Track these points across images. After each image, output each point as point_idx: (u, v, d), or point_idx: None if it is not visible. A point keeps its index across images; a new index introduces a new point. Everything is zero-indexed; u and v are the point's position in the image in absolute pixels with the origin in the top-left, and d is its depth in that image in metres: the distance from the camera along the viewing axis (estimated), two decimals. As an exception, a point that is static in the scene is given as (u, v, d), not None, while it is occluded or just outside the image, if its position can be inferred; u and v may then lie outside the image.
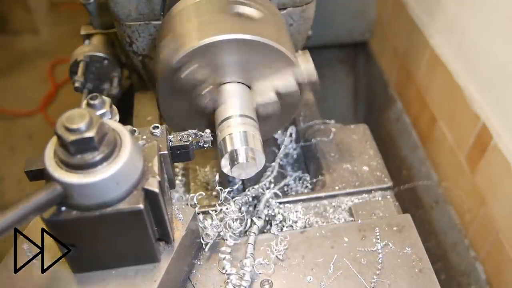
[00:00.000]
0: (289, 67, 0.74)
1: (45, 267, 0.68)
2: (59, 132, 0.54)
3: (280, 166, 1.00)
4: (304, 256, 0.78)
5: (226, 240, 0.79)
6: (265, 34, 0.74)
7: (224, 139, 0.74)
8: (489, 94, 1.12)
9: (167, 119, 0.85)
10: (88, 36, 1.22)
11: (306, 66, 0.75)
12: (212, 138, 0.73)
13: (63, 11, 3.28)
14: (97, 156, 0.55)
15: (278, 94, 0.76)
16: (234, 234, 0.80)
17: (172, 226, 0.70)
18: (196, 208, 0.76)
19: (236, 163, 0.72)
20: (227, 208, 0.81)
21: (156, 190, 0.60)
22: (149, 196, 0.60)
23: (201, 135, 0.72)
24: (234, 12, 0.77)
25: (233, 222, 0.80)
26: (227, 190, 0.81)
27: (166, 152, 0.68)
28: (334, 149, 1.00)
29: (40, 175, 0.65)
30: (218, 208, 0.81)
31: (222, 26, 0.74)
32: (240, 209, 0.84)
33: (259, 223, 0.83)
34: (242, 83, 0.79)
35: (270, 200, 0.87)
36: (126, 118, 1.09)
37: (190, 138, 0.72)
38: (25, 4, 3.13)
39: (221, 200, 0.81)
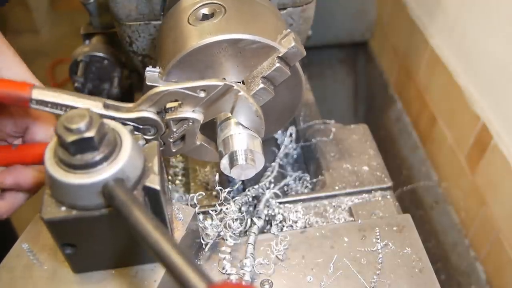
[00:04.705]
0: (272, 52, 0.74)
1: (45, 267, 0.68)
2: (59, 132, 0.54)
3: (280, 166, 1.00)
4: (304, 256, 0.78)
5: (226, 240, 0.79)
6: (242, 29, 0.73)
7: (224, 140, 0.74)
8: (489, 94, 1.12)
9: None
10: (88, 36, 1.22)
11: (290, 48, 0.74)
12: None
13: (63, 11, 3.28)
14: (97, 156, 0.55)
15: (267, 80, 0.75)
16: (234, 234, 0.80)
17: (172, 226, 0.70)
18: (196, 208, 0.76)
19: (235, 164, 0.72)
20: (227, 208, 0.81)
21: (157, 187, 0.60)
22: (150, 194, 0.60)
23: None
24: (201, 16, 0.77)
25: (233, 222, 0.80)
26: (227, 190, 0.82)
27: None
28: (334, 149, 1.00)
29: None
30: (218, 208, 0.81)
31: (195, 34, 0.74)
32: (240, 209, 0.84)
33: (259, 223, 0.83)
34: (237, 82, 0.78)
35: (270, 200, 0.87)
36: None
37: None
38: (25, 4, 3.14)
39: (221, 200, 0.81)
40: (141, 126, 0.71)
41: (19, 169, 0.70)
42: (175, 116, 0.71)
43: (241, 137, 0.74)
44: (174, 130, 0.73)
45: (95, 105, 0.68)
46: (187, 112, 0.71)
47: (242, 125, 0.75)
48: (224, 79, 0.77)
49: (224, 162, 0.74)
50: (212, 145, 0.79)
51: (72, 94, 0.68)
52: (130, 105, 0.71)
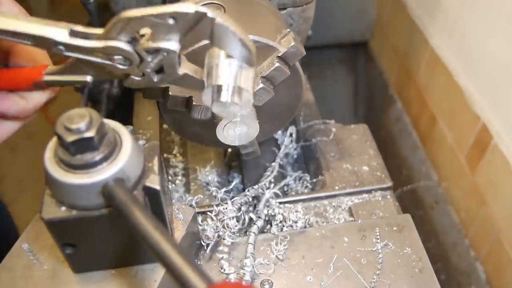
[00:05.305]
0: (272, 52, 0.74)
1: (45, 267, 0.68)
2: (59, 132, 0.54)
3: (280, 166, 1.00)
4: (304, 256, 0.78)
5: (224, 239, 0.79)
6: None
7: (208, 69, 0.63)
8: (489, 94, 1.12)
9: (170, 126, 0.85)
10: (88, 36, 1.22)
11: (289, 47, 0.73)
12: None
13: (63, 11, 3.28)
14: (97, 156, 0.55)
15: (267, 80, 0.75)
16: (232, 233, 0.80)
17: (172, 226, 0.70)
18: (196, 209, 0.77)
19: (217, 100, 0.62)
20: (225, 208, 0.81)
21: (157, 187, 0.60)
22: (150, 194, 0.60)
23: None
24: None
25: (230, 220, 0.80)
26: (223, 190, 0.82)
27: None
28: (334, 149, 1.00)
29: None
30: (217, 208, 0.81)
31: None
32: (239, 209, 0.84)
33: (259, 223, 0.83)
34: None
35: (270, 200, 0.87)
36: (126, 118, 1.09)
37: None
38: (25, 4, 3.13)
39: (218, 200, 0.81)
40: (113, 57, 0.63)
41: (0, 97, 0.65)
42: (147, 47, 0.62)
43: (227, 69, 0.63)
44: (149, 60, 0.64)
45: (59, 33, 0.60)
46: (160, 42, 0.61)
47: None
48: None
49: (206, 94, 0.64)
50: (200, 74, 0.69)
51: (31, 20, 0.60)
52: (100, 31, 0.62)
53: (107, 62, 0.63)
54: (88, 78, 0.66)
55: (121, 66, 0.63)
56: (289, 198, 0.90)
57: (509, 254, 1.07)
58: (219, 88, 0.62)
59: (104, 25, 0.89)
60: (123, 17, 0.59)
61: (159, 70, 0.65)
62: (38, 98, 0.68)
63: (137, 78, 0.65)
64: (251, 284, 0.74)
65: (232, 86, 0.62)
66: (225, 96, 0.62)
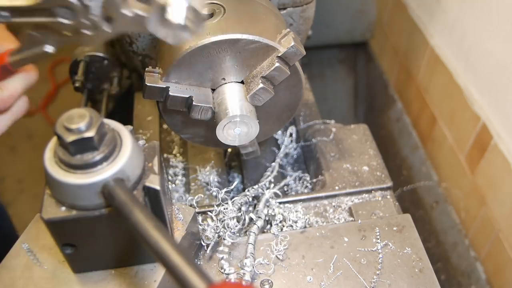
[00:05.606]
0: (272, 52, 0.74)
1: (45, 267, 0.68)
2: (59, 132, 0.54)
3: (280, 166, 1.00)
4: (304, 256, 0.78)
5: (224, 239, 0.79)
6: (239, 29, 0.72)
7: None
8: (489, 94, 1.12)
9: (170, 126, 0.85)
10: (88, 36, 1.22)
11: (289, 47, 0.73)
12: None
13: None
14: (97, 156, 0.55)
15: (267, 80, 0.75)
16: (232, 233, 0.80)
17: (172, 226, 0.70)
18: (196, 209, 0.76)
19: (165, 22, 0.54)
20: (225, 209, 0.81)
21: (157, 187, 0.60)
22: (150, 195, 0.60)
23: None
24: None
25: (231, 220, 0.80)
26: (224, 190, 0.82)
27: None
28: (334, 149, 1.00)
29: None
30: (217, 209, 0.81)
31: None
32: (239, 209, 0.84)
33: (259, 223, 0.83)
34: (236, 82, 0.78)
35: (270, 200, 0.87)
36: (126, 118, 1.09)
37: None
38: None
39: (219, 200, 0.81)
40: (57, 11, 0.60)
41: None
42: None
43: None
44: (91, 5, 0.59)
45: None
46: None
47: None
48: (224, 79, 0.76)
49: (153, 18, 0.56)
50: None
51: None
52: None
53: (52, 19, 0.61)
54: (48, 48, 0.65)
55: (67, 21, 0.61)
56: (289, 198, 0.90)
57: (509, 254, 1.07)
58: (166, 7, 0.54)
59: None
60: None
61: (109, 19, 0.60)
62: (12, 85, 0.68)
63: (89, 33, 0.61)
64: (251, 284, 0.74)
65: (185, 5, 0.54)
66: (176, 17, 0.54)
